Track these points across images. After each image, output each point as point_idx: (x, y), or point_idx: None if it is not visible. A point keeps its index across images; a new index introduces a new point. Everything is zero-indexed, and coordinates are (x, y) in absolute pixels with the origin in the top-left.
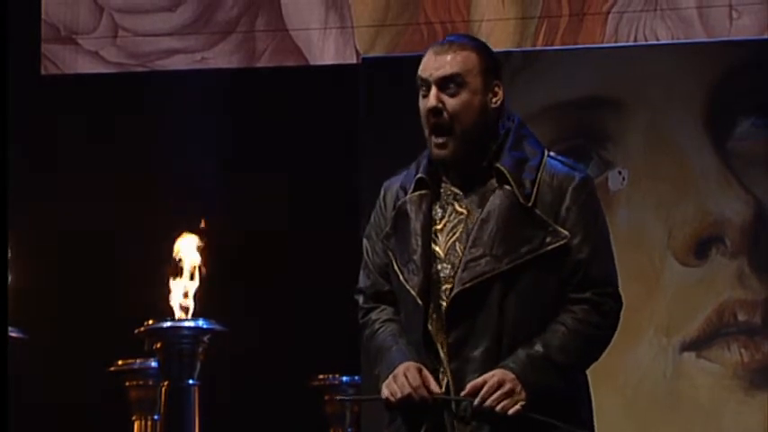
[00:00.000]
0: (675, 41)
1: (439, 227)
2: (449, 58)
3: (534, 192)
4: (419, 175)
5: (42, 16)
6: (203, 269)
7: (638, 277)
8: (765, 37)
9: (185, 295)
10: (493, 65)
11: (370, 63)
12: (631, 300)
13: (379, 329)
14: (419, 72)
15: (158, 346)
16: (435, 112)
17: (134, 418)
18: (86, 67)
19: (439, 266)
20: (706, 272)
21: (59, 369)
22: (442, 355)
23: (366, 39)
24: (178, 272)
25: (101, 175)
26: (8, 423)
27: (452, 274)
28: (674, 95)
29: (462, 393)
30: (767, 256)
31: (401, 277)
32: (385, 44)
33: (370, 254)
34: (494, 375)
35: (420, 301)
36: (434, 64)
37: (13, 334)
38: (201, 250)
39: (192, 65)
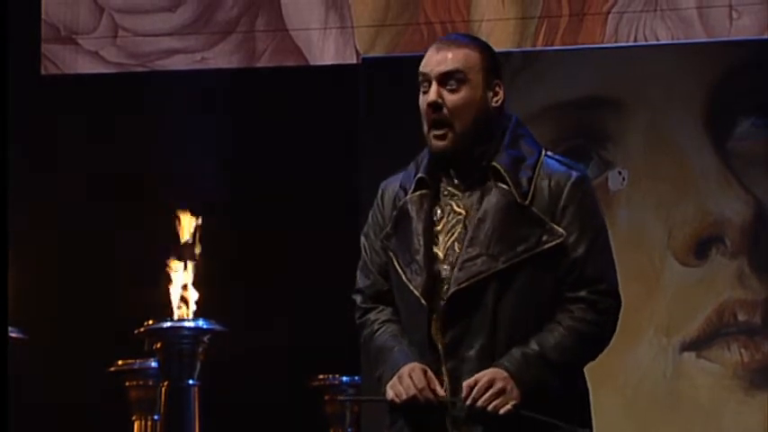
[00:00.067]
0: (675, 42)
1: (438, 227)
2: (450, 54)
3: (531, 190)
4: (420, 175)
5: (42, 16)
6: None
7: (638, 277)
8: (765, 37)
9: (185, 287)
10: (494, 64)
11: (370, 63)
12: (631, 300)
13: (378, 330)
14: (420, 68)
15: (158, 346)
16: (435, 106)
17: (134, 418)
18: (86, 67)
19: (438, 267)
20: (706, 272)
21: (59, 369)
22: (440, 355)
23: (366, 39)
24: (178, 255)
25: (101, 175)
26: (8, 423)
27: (451, 274)
28: (674, 96)
29: (440, 396)
30: (767, 256)
31: (404, 277)
32: (385, 44)
33: (368, 253)
34: (485, 374)
35: (424, 302)
36: (436, 59)
37: (13, 334)
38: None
39: (192, 65)
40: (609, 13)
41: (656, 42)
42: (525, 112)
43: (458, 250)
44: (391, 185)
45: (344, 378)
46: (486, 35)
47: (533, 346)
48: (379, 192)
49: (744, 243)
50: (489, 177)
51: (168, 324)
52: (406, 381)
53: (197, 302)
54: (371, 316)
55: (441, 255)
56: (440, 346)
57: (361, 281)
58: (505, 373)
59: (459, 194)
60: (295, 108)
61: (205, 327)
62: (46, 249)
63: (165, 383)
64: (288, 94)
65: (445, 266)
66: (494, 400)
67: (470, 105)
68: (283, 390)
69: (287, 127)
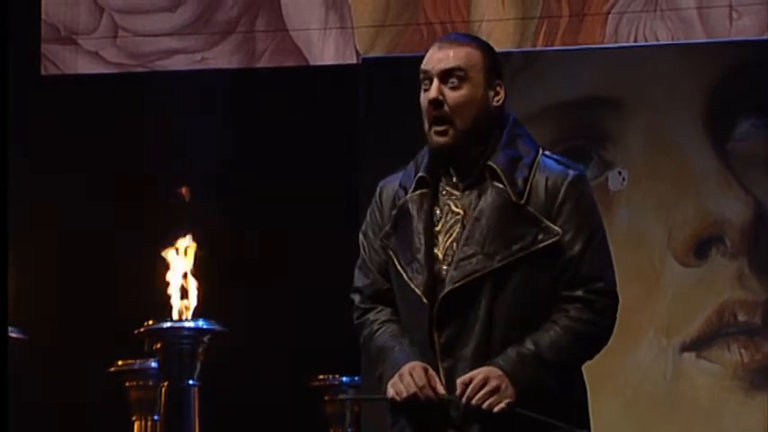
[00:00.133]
0: (676, 42)
1: (437, 227)
2: (452, 52)
3: (527, 189)
4: (420, 174)
5: (42, 16)
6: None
7: (638, 278)
8: (765, 37)
9: (185, 276)
10: (495, 64)
11: (370, 63)
12: (631, 300)
13: (378, 330)
14: (422, 66)
15: (158, 346)
16: (436, 103)
17: (134, 418)
18: (86, 67)
19: (438, 267)
20: (706, 272)
21: (59, 369)
22: (437, 354)
23: (366, 39)
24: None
25: (101, 175)
26: (8, 423)
27: (448, 274)
28: (675, 96)
29: (441, 394)
30: (767, 256)
31: (405, 276)
32: (385, 44)
33: (367, 252)
34: (479, 372)
35: (425, 300)
36: (437, 57)
37: (13, 334)
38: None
39: (192, 65)
40: (609, 13)
41: (656, 43)
42: (525, 113)
43: (456, 250)
44: (390, 184)
45: (344, 378)
46: (487, 35)
47: (529, 345)
48: (377, 191)
49: (744, 243)
50: (486, 177)
51: (168, 324)
52: (406, 379)
53: (198, 292)
54: (371, 316)
55: (440, 255)
56: (436, 346)
57: (359, 280)
58: (500, 372)
59: (458, 194)
60: (295, 108)
61: (205, 327)
62: (46, 249)
63: (165, 384)
64: (288, 94)
65: (444, 267)
66: (488, 398)
67: (471, 103)
68: (283, 390)
69: (287, 127)
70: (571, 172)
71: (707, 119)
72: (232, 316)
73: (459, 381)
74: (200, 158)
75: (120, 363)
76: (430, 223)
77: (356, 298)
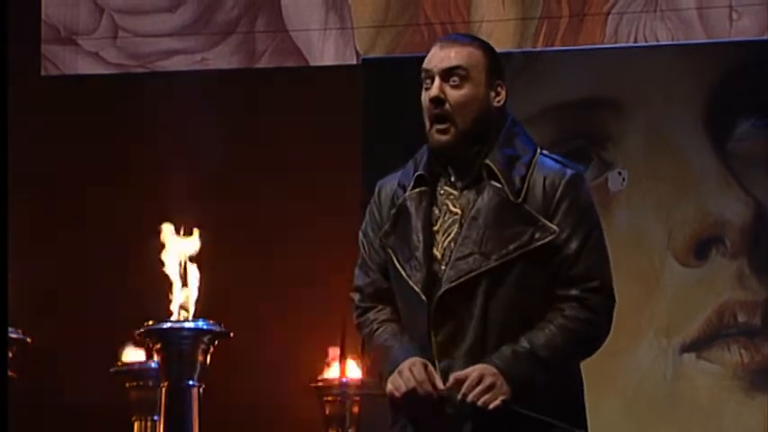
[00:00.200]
0: (675, 42)
1: (435, 227)
2: (454, 51)
3: (524, 188)
4: (419, 172)
5: (42, 17)
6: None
7: (638, 278)
8: (765, 38)
9: (188, 262)
10: (497, 64)
11: (370, 64)
12: (631, 300)
13: (378, 329)
14: (424, 65)
15: (158, 346)
16: (437, 101)
17: (134, 418)
18: (86, 67)
19: (437, 267)
20: (706, 273)
21: (60, 369)
22: (434, 353)
23: (366, 39)
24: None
25: (101, 175)
26: (8, 423)
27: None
28: (675, 96)
29: (440, 390)
30: (767, 257)
31: (403, 273)
32: (385, 45)
33: (367, 251)
34: (474, 370)
35: (424, 297)
36: (439, 56)
37: (13, 335)
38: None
39: (192, 65)
40: (609, 13)
41: (656, 43)
42: (525, 113)
43: (453, 250)
44: (388, 184)
45: (344, 378)
46: (487, 36)
47: (524, 343)
48: (376, 190)
49: (744, 244)
50: (484, 176)
51: (168, 325)
52: (406, 374)
53: (198, 293)
54: (371, 315)
55: (438, 255)
56: (434, 344)
57: (359, 279)
58: (495, 370)
59: (456, 194)
60: (295, 108)
61: (205, 327)
62: (46, 249)
63: (166, 384)
64: (288, 94)
65: (442, 266)
66: (483, 395)
67: (472, 102)
68: (283, 390)
69: (287, 127)
70: (569, 171)
71: (707, 119)
72: (232, 316)
73: (452, 376)
74: (200, 159)
75: (120, 363)
76: (428, 221)
77: (356, 297)
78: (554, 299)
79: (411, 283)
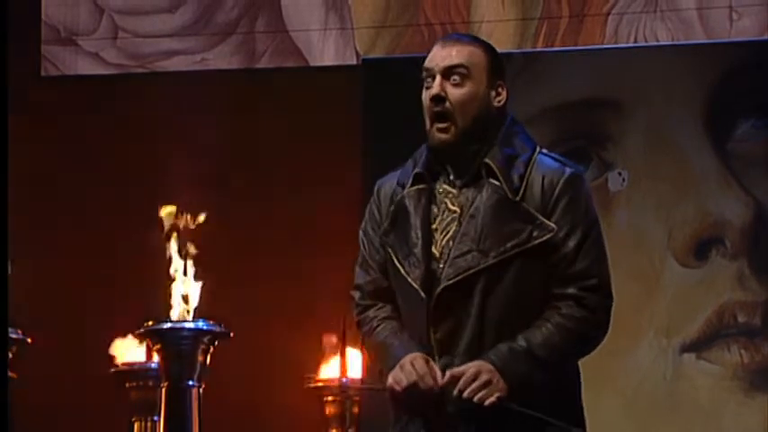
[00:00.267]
0: (675, 43)
1: (434, 226)
2: (455, 50)
3: (523, 186)
4: (417, 170)
5: (42, 17)
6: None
7: (638, 278)
8: (765, 38)
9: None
10: (498, 65)
11: (370, 64)
12: (631, 300)
13: (378, 326)
14: (425, 63)
15: (158, 347)
16: (438, 99)
17: (134, 419)
18: (86, 68)
19: (435, 265)
20: (706, 273)
21: (60, 369)
22: (434, 350)
23: (366, 40)
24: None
25: (101, 175)
26: (8, 423)
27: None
28: (675, 96)
29: (440, 384)
30: (767, 257)
31: (402, 270)
32: (385, 45)
33: (367, 250)
34: (471, 366)
35: (423, 294)
36: (441, 55)
37: (13, 335)
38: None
39: (192, 66)
40: (609, 14)
41: (656, 43)
42: (526, 114)
43: (452, 248)
44: (388, 183)
45: (344, 378)
46: (487, 36)
47: (520, 341)
48: (376, 189)
49: (744, 244)
50: (483, 174)
51: (168, 325)
52: (407, 368)
53: (199, 292)
54: (371, 313)
55: (437, 253)
56: (433, 342)
57: (360, 277)
58: (491, 366)
59: (454, 192)
60: (295, 109)
61: (205, 328)
62: (46, 249)
63: (165, 384)
64: (288, 94)
65: (441, 265)
66: (479, 391)
67: (473, 101)
68: (283, 390)
69: (287, 127)
70: (568, 170)
71: (707, 119)
72: (232, 316)
73: (448, 372)
74: (200, 159)
75: (120, 363)
76: (427, 219)
77: (356, 295)
78: (552, 297)
79: (410, 280)
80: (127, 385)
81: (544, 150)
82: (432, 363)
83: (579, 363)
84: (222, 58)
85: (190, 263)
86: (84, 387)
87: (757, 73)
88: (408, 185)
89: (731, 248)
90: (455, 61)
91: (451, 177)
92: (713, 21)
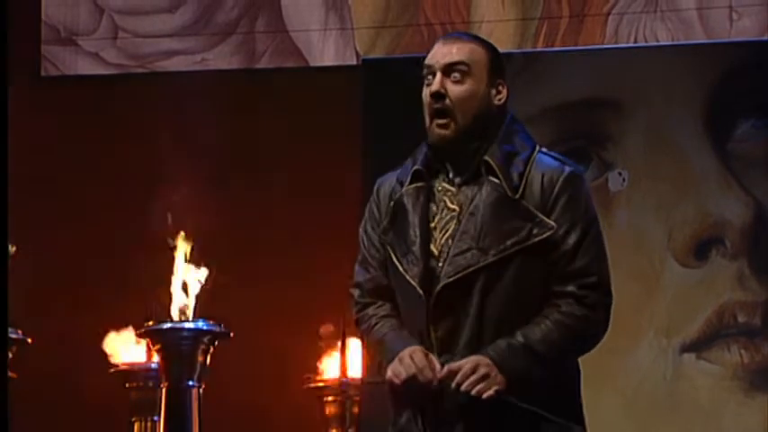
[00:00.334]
0: (676, 43)
1: (433, 224)
2: (456, 47)
3: (522, 184)
4: (416, 167)
5: (42, 17)
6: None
7: (638, 278)
8: (765, 38)
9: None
10: (498, 63)
11: (370, 64)
12: (631, 301)
13: (377, 324)
14: (425, 61)
15: (158, 347)
16: (437, 96)
17: (134, 419)
18: (86, 68)
19: (433, 264)
20: (706, 273)
21: (60, 370)
22: (434, 348)
23: (366, 40)
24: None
25: (101, 175)
26: (8, 423)
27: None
28: (675, 96)
29: (438, 377)
30: (767, 257)
31: (401, 268)
32: (385, 45)
33: (367, 248)
34: (469, 360)
35: (421, 291)
36: (441, 52)
37: (13, 335)
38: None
39: (192, 66)
40: (609, 14)
41: (656, 43)
42: (526, 114)
43: (451, 246)
44: (387, 181)
45: (344, 378)
46: (487, 36)
47: (519, 337)
48: (375, 187)
49: (744, 244)
50: (482, 172)
51: (168, 325)
52: (406, 361)
53: (199, 293)
54: (370, 311)
55: (435, 251)
56: (433, 340)
57: (359, 275)
58: (489, 360)
59: (453, 190)
60: (295, 109)
61: (205, 328)
62: (46, 249)
63: (166, 384)
64: (288, 94)
65: (440, 263)
66: (477, 384)
67: (473, 98)
68: (283, 390)
69: (287, 127)
70: (567, 168)
71: (707, 119)
72: (232, 316)
73: (446, 367)
74: (200, 159)
75: (120, 364)
76: (425, 217)
77: (356, 293)
78: (551, 294)
79: (408, 277)
80: (127, 385)
81: (544, 149)
82: (431, 356)
83: (579, 361)
84: (222, 58)
85: (189, 263)
86: (84, 387)
87: (757, 73)
88: (407, 183)
89: (731, 248)
90: (456, 58)
91: (450, 175)
92: (713, 21)
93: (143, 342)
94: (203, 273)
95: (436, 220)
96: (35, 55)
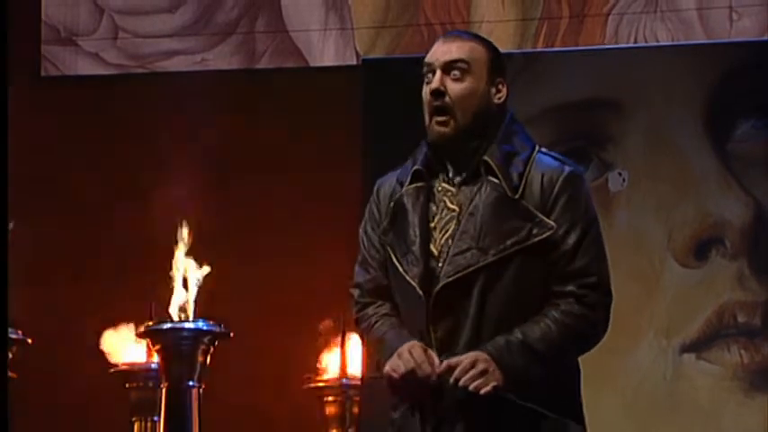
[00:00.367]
0: (676, 43)
1: (433, 224)
2: (456, 45)
3: (522, 184)
4: (416, 167)
5: (42, 17)
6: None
7: (638, 278)
8: (765, 38)
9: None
10: (498, 61)
11: (370, 64)
12: (631, 301)
13: (377, 323)
14: (426, 59)
15: (158, 347)
16: (437, 93)
17: (134, 419)
18: (86, 68)
19: (433, 264)
20: (706, 273)
21: (59, 369)
22: (434, 348)
23: (366, 40)
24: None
25: (100, 175)
26: (8, 423)
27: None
28: (675, 97)
29: (437, 372)
30: (767, 257)
31: (401, 269)
32: (385, 45)
33: (367, 249)
34: (467, 356)
35: (420, 291)
36: (442, 50)
37: (13, 335)
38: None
39: (192, 66)
40: (609, 14)
41: (656, 44)
42: (526, 114)
43: (451, 246)
44: (387, 182)
45: (344, 378)
46: (487, 36)
47: (517, 334)
48: (375, 188)
49: (744, 245)
50: (481, 172)
51: (168, 325)
52: (405, 356)
53: (198, 294)
54: (370, 310)
55: (435, 251)
56: (433, 340)
57: (359, 276)
58: (487, 356)
59: (453, 190)
60: (295, 109)
61: (205, 328)
62: (46, 249)
63: (166, 384)
64: (288, 94)
65: (440, 263)
66: (476, 379)
67: (472, 96)
68: (283, 390)
69: (287, 127)
70: (567, 168)
71: (707, 120)
72: (232, 316)
73: (445, 362)
74: (200, 159)
75: (120, 364)
76: (425, 217)
77: (356, 293)
78: (551, 294)
79: (408, 278)
80: (127, 385)
81: (543, 149)
82: (429, 351)
83: (579, 361)
84: (222, 59)
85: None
86: (85, 387)
87: (757, 73)
88: (407, 183)
89: (731, 249)
90: (455, 56)
91: (450, 175)
92: (713, 21)
93: (141, 341)
94: (203, 272)
95: (436, 220)
96: (35, 55)
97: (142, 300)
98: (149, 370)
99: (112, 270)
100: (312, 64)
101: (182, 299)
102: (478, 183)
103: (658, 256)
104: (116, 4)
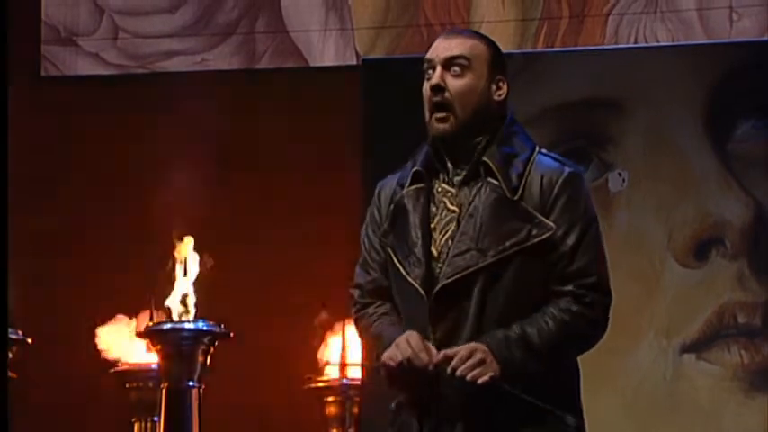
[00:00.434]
0: (676, 43)
1: (432, 225)
2: (456, 42)
3: (521, 186)
4: (416, 168)
5: (42, 17)
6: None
7: (638, 279)
8: (765, 39)
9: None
10: (499, 59)
11: (370, 65)
12: (631, 301)
13: (376, 321)
14: (426, 56)
15: (158, 347)
16: (437, 89)
17: (134, 419)
18: (86, 68)
19: (434, 265)
20: (706, 274)
21: (59, 369)
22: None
23: (366, 40)
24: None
25: (101, 176)
26: (8, 423)
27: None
28: (675, 97)
29: (434, 361)
30: (767, 258)
31: (402, 270)
32: (385, 46)
33: (368, 250)
34: (465, 347)
35: (422, 292)
36: (442, 47)
37: (13, 335)
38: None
39: (193, 66)
40: (609, 14)
41: (656, 44)
42: (525, 114)
43: (450, 247)
44: (388, 184)
45: (344, 379)
46: None
47: (516, 329)
48: (376, 191)
49: (744, 245)
50: (481, 173)
51: (168, 325)
52: (402, 345)
53: (197, 295)
54: (369, 310)
55: (435, 252)
56: (433, 341)
57: (360, 277)
58: (485, 347)
59: (453, 191)
60: (295, 109)
61: (205, 328)
62: (46, 249)
63: (166, 385)
64: (288, 95)
65: (439, 264)
66: (473, 369)
67: (472, 93)
68: (283, 390)
69: (287, 127)
70: (567, 169)
71: (707, 120)
72: (232, 316)
73: (442, 352)
74: (201, 159)
75: (120, 364)
76: (426, 218)
77: (356, 293)
78: (551, 295)
79: (410, 279)
80: (127, 385)
81: (543, 150)
82: (426, 342)
83: (579, 361)
84: (222, 59)
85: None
86: (85, 387)
87: (757, 73)
88: (407, 185)
89: (731, 249)
90: (456, 52)
91: (450, 174)
92: (713, 21)
93: (138, 339)
94: (202, 271)
95: (436, 221)
96: (35, 55)
97: (142, 300)
98: (149, 370)
99: (112, 269)
100: (312, 64)
101: (183, 291)
102: (478, 184)
103: (658, 256)
104: (116, 5)
